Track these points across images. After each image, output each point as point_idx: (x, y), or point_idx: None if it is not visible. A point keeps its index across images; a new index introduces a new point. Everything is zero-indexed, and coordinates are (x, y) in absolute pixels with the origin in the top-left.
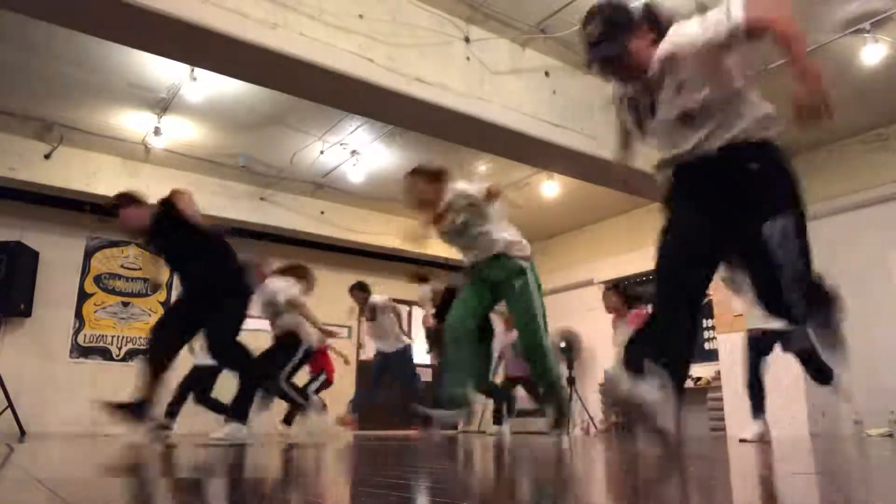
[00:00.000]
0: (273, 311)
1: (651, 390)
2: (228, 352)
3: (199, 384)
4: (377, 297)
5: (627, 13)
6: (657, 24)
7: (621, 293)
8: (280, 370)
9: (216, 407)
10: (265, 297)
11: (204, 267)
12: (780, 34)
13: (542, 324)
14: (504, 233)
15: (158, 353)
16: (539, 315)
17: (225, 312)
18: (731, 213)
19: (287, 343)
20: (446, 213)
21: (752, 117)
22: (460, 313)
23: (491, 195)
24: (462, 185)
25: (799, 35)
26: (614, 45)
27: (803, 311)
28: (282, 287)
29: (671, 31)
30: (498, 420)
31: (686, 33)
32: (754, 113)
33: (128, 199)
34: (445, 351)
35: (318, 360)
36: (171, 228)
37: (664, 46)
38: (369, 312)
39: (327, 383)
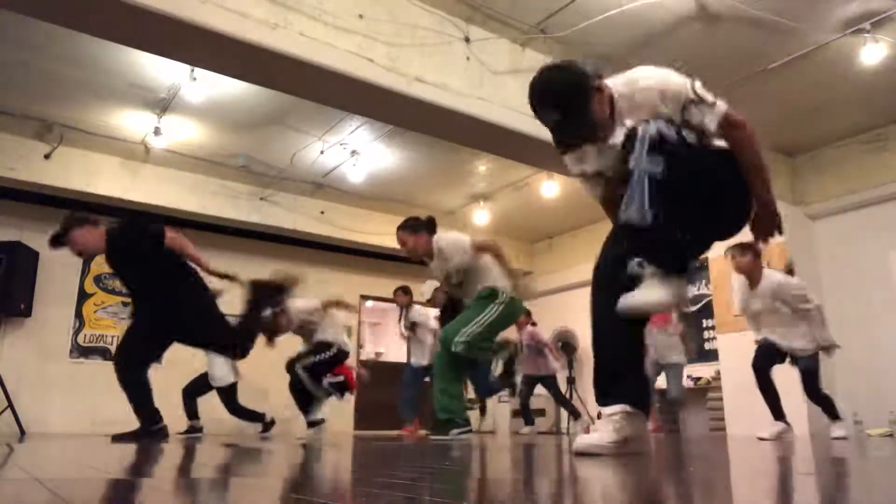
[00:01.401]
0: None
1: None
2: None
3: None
4: (418, 313)
5: (577, 82)
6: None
7: None
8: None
9: (247, 414)
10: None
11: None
12: (751, 141)
13: (471, 331)
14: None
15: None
16: (474, 324)
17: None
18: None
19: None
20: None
21: None
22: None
23: (480, 249)
24: (445, 243)
25: (764, 163)
26: (582, 123)
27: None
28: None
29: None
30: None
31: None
32: None
33: (80, 220)
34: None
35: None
36: (145, 252)
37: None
38: (409, 324)
39: (348, 387)
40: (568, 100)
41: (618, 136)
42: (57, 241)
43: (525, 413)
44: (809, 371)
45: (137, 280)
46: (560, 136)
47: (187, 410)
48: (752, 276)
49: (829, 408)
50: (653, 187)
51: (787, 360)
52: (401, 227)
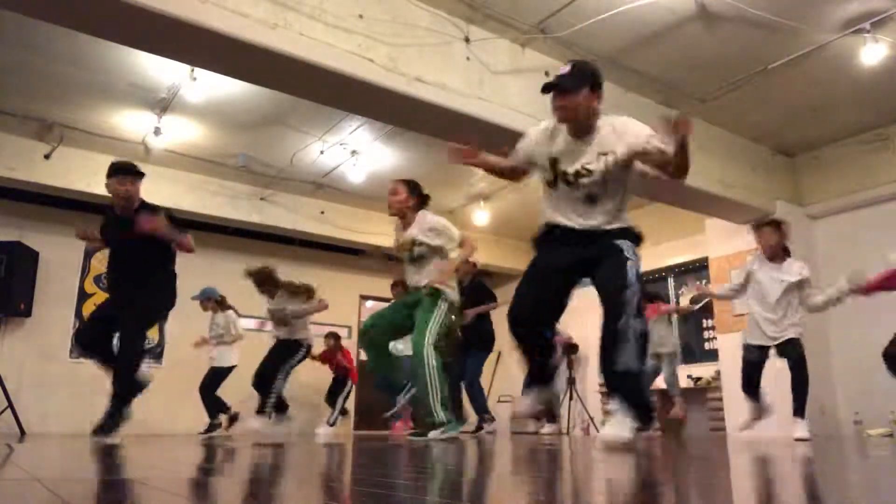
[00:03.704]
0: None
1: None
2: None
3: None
4: None
5: (596, 73)
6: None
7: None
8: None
9: (216, 405)
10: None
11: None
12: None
13: (429, 339)
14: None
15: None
16: (430, 333)
17: (148, 307)
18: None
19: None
20: (410, 243)
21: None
22: (373, 321)
23: (463, 247)
24: (433, 222)
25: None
26: (577, 82)
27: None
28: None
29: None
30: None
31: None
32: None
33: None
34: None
35: (338, 361)
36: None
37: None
38: None
39: (351, 386)
40: (587, 71)
41: (587, 147)
42: (128, 172)
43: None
44: (801, 357)
45: (129, 256)
46: (560, 79)
47: (208, 410)
48: (777, 252)
49: (804, 400)
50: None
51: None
52: (403, 181)
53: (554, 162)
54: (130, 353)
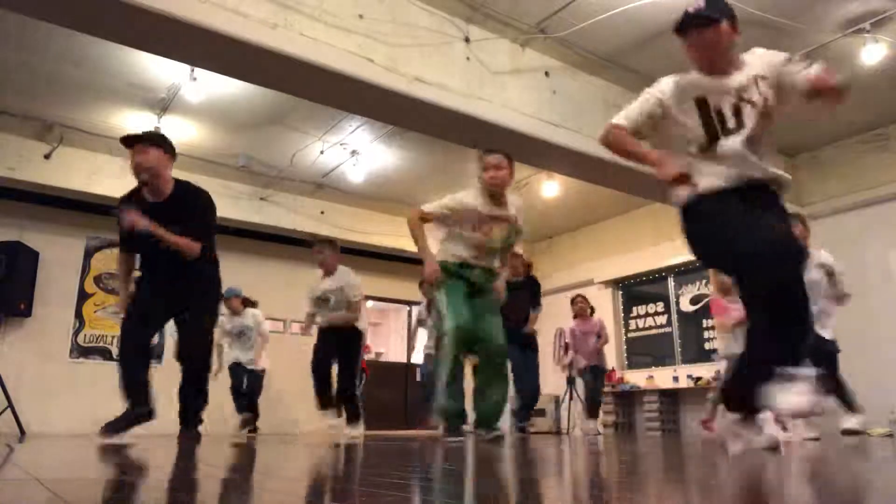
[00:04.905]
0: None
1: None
2: (205, 352)
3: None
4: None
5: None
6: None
7: None
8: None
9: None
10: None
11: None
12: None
13: None
14: None
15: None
16: None
17: (206, 306)
18: None
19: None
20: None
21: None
22: (468, 316)
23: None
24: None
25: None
26: (717, 12)
27: None
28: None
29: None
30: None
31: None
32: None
33: (168, 144)
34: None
35: None
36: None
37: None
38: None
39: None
40: (723, 2)
41: (735, 80)
42: (133, 140)
43: (593, 405)
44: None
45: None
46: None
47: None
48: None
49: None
50: None
51: None
52: (506, 154)
53: (702, 103)
54: (203, 359)
